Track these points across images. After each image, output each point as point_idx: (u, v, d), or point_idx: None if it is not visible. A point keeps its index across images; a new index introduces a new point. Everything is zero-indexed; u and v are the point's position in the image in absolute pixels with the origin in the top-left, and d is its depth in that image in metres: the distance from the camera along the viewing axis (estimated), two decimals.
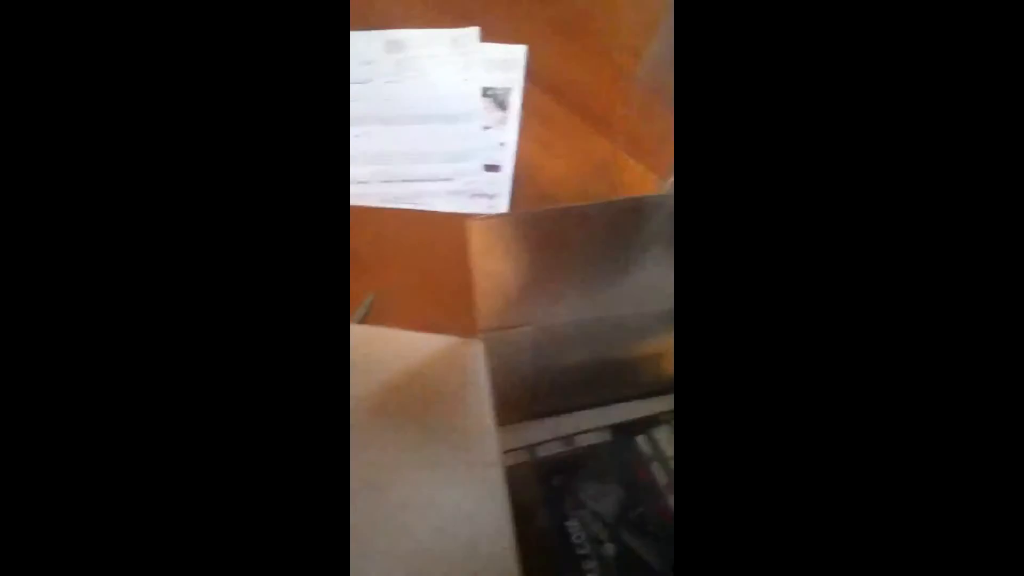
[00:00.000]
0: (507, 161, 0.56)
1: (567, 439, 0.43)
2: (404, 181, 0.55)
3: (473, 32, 0.64)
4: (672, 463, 0.41)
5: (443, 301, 0.49)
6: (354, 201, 0.53)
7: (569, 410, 0.43)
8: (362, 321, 0.46)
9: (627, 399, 0.44)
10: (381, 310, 0.49)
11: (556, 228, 0.28)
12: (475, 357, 0.32)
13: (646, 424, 0.43)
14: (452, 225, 0.51)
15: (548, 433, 0.43)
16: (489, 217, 0.27)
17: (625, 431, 0.43)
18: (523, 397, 0.41)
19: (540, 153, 0.57)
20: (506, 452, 0.40)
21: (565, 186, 0.55)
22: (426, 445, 0.31)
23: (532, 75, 0.62)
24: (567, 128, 0.58)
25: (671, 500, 0.39)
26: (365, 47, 0.64)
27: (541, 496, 0.40)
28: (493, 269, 0.29)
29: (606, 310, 0.34)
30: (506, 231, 0.28)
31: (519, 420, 0.43)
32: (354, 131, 0.58)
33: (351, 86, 0.61)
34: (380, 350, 0.33)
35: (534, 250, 0.29)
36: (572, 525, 0.39)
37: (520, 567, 0.28)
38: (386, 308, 0.49)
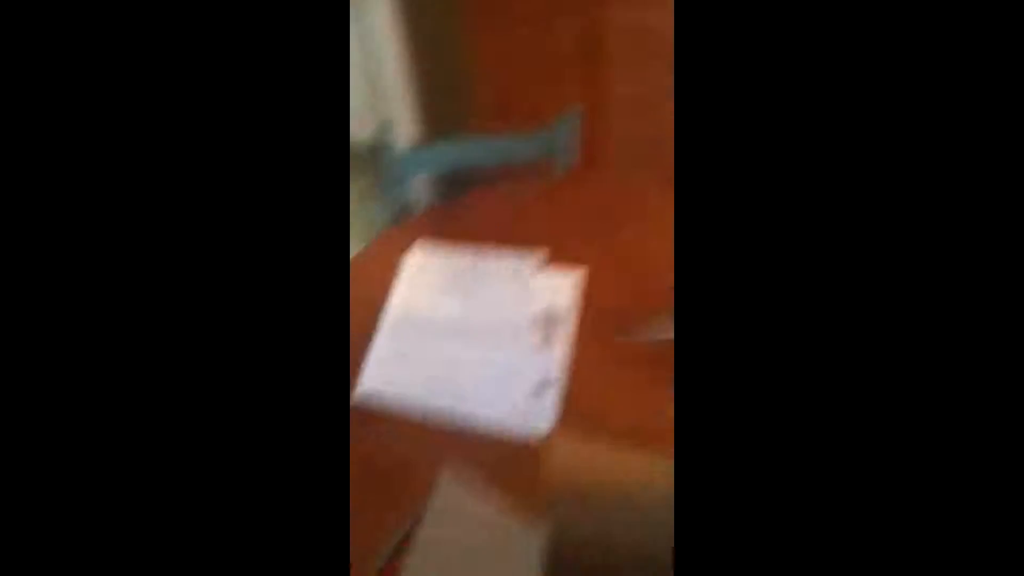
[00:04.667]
0: (553, 383, 0.60)
1: None
2: (455, 392, 0.58)
3: (535, 259, 0.74)
4: None
5: None
6: (406, 402, 0.59)
7: None
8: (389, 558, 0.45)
9: None
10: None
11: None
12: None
13: None
14: (497, 446, 0.56)
15: None
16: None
17: None
18: None
19: (589, 375, 0.62)
20: None
21: (613, 409, 0.59)
22: None
23: (584, 301, 0.69)
24: (616, 349, 0.63)
25: None
26: (446, 264, 0.74)
27: None
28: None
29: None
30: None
31: None
32: (421, 339, 0.66)
33: (430, 297, 0.70)
34: None
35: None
36: None
37: None
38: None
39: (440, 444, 0.54)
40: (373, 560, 0.45)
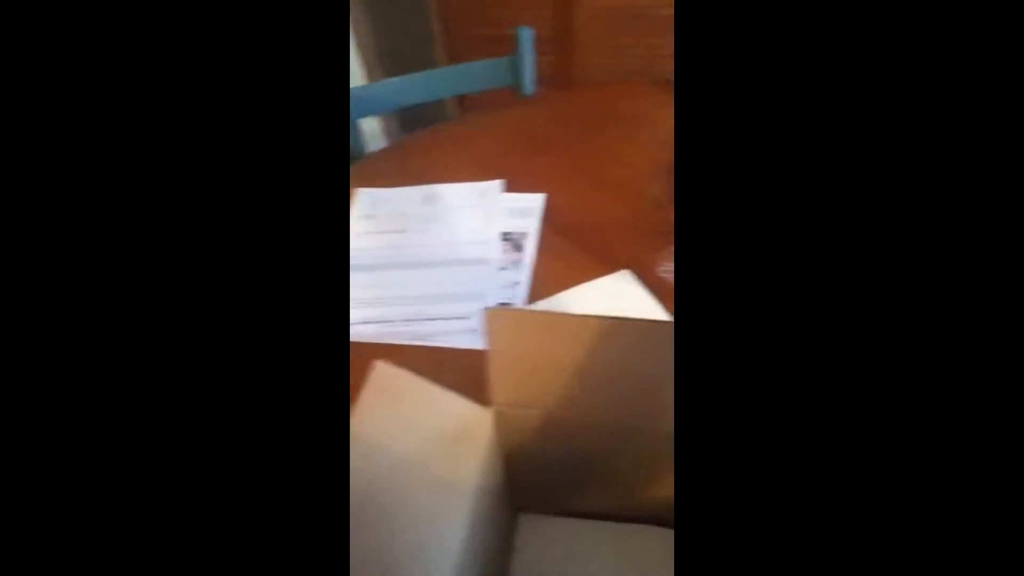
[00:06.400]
0: (519, 299, 0.60)
1: None
2: (427, 320, 0.59)
3: (497, 184, 0.72)
4: None
5: None
6: (382, 340, 0.58)
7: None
8: None
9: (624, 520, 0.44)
10: None
11: (568, 330, 0.31)
12: (484, 423, 0.36)
13: None
14: (467, 358, 0.55)
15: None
16: (508, 309, 0.29)
17: None
18: (541, 485, 0.42)
19: (551, 289, 0.61)
20: None
21: None
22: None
23: (548, 219, 0.68)
24: (578, 264, 0.62)
25: None
26: (404, 200, 0.73)
27: None
28: (507, 351, 0.32)
29: (616, 417, 0.35)
30: (522, 322, 0.31)
31: (541, 513, 0.45)
32: (386, 275, 0.65)
33: (387, 235, 0.69)
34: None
35: (545, 343, 0.32)
36: None
37: None
38: None
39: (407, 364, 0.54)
40: None
